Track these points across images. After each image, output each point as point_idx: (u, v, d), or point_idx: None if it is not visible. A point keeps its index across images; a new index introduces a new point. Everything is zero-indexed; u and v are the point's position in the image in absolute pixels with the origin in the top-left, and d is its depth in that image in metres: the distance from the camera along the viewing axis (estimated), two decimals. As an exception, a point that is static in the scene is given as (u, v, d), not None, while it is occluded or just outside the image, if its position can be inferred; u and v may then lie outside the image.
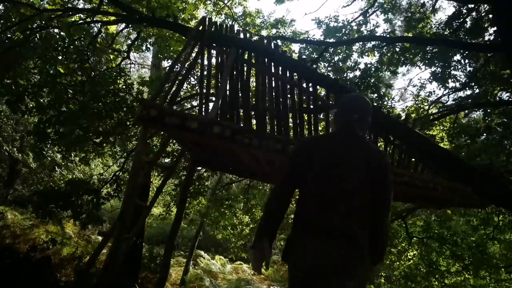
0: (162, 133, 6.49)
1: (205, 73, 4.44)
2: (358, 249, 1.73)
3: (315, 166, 1.84)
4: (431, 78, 7.39)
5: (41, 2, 6.97)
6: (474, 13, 7.03)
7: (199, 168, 8.01)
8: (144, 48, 7.59)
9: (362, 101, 2.05)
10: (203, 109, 4.23)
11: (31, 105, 6.19)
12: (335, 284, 1.65)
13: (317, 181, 1.83)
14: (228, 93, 4.14)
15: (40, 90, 5.93)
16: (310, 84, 4.34)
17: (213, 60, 4.50)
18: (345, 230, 1.73)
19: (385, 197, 1.87)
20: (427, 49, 7.22)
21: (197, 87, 7.50)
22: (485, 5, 6.58)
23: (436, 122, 7.59)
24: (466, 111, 7.90)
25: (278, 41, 7.38)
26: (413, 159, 4.27)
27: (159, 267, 8.40)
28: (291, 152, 1.98)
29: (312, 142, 2.01)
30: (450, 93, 7.62)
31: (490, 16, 6.57)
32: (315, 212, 1.78)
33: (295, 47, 8.52)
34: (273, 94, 4.24)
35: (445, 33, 7.22)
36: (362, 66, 7.00)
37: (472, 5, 6.81)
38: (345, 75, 7.15)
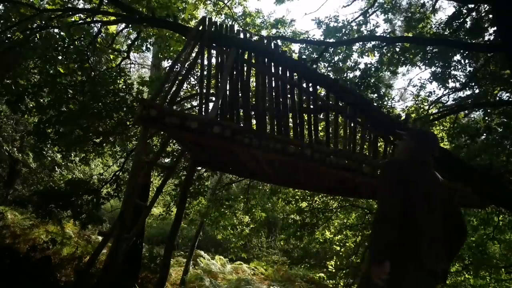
0: (162, 133, 6.49)
1: (205, 73, 4.44)
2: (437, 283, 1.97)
3: (413, 197, 1.96)
4: (431, 78, 7.37)
5: (41, 2, 6.97)
6: (474, 13, 7.02)
7: (199, 168, 8.00)
8: (144, 48, 7.59)
9: (437, 141, 2.30)
10: (203, 109, 4.24)
11: (31, 105, 6.19)
12: None
13: (417, 213, 1.96)
14: (228, 93, 4.14)
15: (40, 90, 5.93)
16: (310, 84, 4.34)
17: (213, 60, 4.51)
18: (434, 266, 1.92)
19: (464, 229, 2.11)
20: (427, 49, 7.20)
21: (197, 87, 7.49)
22: (485, 5, 6.57)
23: (436, 122, 7.58)
24: (466, 111, 7.87)
25: (278, 41, 7.37)
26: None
27: (159, 267, 8.39)
28: (387, 177, 2.06)
29: (402, 167, 2.08)
30: (450, 93, 7.60)
31: (490, 16, 6.56)
32: (417, 247, 1.91)
33: (295, 47, 8.52)
34: (273, 94, 4.24)
35: (445, 33, 7.20)
36: (362, 66, 7.01)
37: (472, 5, 6.80)
38: (345, 75, 7.15)
